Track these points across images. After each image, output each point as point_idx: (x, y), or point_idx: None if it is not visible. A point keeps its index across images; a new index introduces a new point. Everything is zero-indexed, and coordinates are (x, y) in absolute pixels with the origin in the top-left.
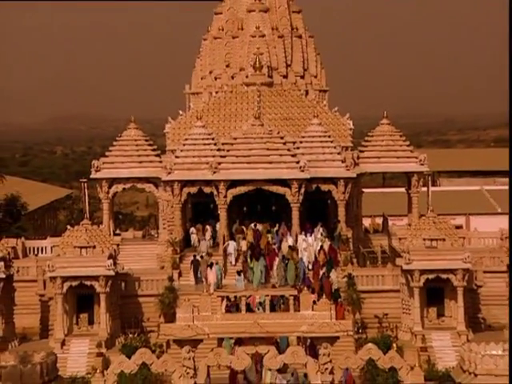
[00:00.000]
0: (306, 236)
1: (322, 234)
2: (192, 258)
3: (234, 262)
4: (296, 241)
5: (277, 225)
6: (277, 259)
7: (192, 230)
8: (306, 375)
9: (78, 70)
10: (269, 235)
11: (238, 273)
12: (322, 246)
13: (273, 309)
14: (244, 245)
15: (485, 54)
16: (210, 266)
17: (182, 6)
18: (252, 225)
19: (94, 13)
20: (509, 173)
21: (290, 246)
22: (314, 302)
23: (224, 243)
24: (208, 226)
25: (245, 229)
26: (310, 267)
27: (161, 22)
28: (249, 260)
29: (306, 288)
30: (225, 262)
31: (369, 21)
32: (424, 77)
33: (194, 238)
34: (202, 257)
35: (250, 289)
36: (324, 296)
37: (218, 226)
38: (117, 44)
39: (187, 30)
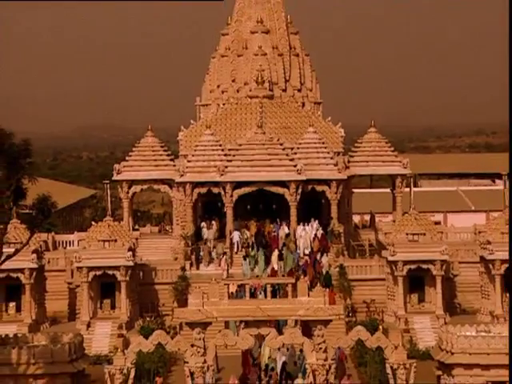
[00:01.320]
0: (303, 226)
1: (316, 225)
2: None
3: (240, 249)
4: (293, 232)
5: (278, 220)
6: (276, 251)
7: (203, 224)
8: (301, 350)
9: (100, 82)
10: (271, 225)
11: (244, 257)
12: (315, 235)
13: (274, 295)
14: (247, 234)
15: (461, 72)
16: (223, 254)
17: (192, 28)
18: (253, 221)
19: (112, 28)
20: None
21: (286, 234)
22: (309, 288)
23: (230, 238)
24: (214, 222)
25: (248, 224)
26: (307, 252)
27: (174, 43)
28: (250, 249)
29: (302, 275)
30: (231, 250)
31: (360, 41)
32: (407, 91)
33: (204, 231)
34: (205, 243)
35: (254, 276)
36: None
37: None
38: (134, 60)
39: (198, 49)
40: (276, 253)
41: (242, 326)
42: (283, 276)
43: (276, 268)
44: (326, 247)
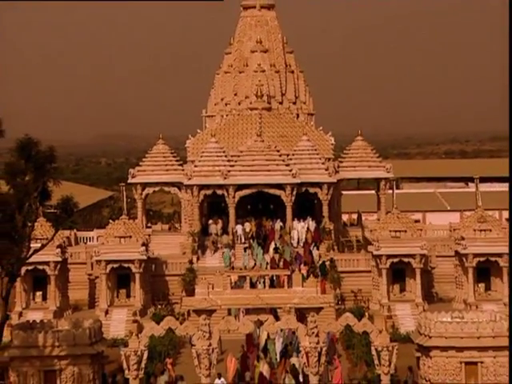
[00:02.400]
0: (299, 221)
1: (310, 221)
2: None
3: (243, 240)
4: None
5: (274, 218)
6: (273, 243)
7: (210, 221)
8: (293, 332)
9: (116, 95)
10: (268, 221)
11: (245, 249)
12: (308, 228)
13: (272, 285)
14: (248, 227)
15: (439, 88)
16: (227, 245)
17: (198, 47)
18: (252, 219)
19: (129, 44)
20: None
21: (280, 226)
22: (303, 278)
23: (233, 232)
24: (219, 220)
25: (249, 221)
26: (301, 243)
27: (183, 61)
28: (251, 241)
29: (302, 264)
30: (234, 242)
31: (350, 59)
32: (391, 104)
33: (212, 226)
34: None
35: (254, 268)
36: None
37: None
38: (147, 75)
39: (203, 66)
40: (273, 245)
41: (243, 313)
42: (280, 265)
43: (273, 258)
44: (319, 239)
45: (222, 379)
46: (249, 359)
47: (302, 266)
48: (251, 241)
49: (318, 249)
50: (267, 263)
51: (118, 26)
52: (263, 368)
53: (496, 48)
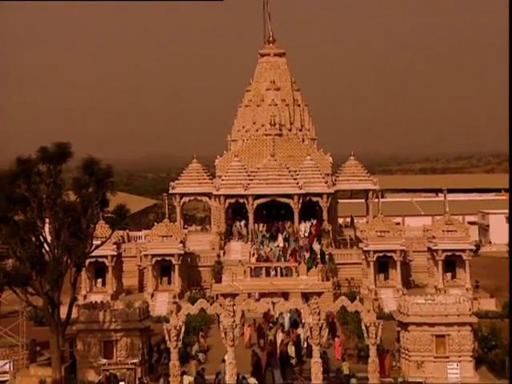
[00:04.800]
0: (304, 222)
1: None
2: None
3: (259, 236)
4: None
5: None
6: (280, 236)
7: (236, 222)
8: (296, 310)
9: (159, 123)
10: (277, 222)
11: (262, 242)
12: (312, 223)
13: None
14: (261, 227)
15: (413, 116)
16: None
17: (224, 87)
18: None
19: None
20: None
21: (288, 225)
22: (308, 269)
23: (252, 233)
24: (241, 223)
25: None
26: (306, 234)
27: (212, 99)
28: (266, 234)
29: (303, 254)
30: (252, 238)
31: (345, 94)
32: (377, 131)
33: (237, 223)
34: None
35: (269, 252)
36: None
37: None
38: (187, 107)
39: (228, 101)
40: (281, 236)
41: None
42: (289, 252)
43: (285, 246)
44: (319, 232)
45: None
46: (263, 330)
47: (306, 253)
48: (266, 234)
49: (319, 243)
50: (280, 250)
51: (162, 65)
52: (278, 335)
53: (465, 85)
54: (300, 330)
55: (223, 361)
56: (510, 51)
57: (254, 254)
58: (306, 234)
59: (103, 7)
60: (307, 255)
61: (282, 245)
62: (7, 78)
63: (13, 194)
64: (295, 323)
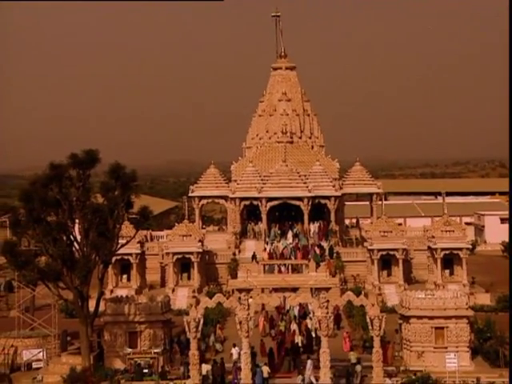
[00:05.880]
0: (313, 223)
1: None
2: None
3: (272, 234)
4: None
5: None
6: (290, 232)
7: (250, 224)
8: (306, 304)
9: (181, 131)
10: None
11: (274, 236)
12: (320, 223)
13: (294, 271)
14: (273, 227)
15: (416, 124)
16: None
17: (240, 98)
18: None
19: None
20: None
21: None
22: (318, 259)
23: (266, 232)
24: (255, 225)
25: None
26: (316, 231)
27: (229, 109)
28: (277, 231)
29: (313, 250)
30: (264, 237)
31: (350, 106)
32: (380, 138)
33: (249, 227)
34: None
35: (281, 248)
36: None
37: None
38: (206, 117)
39: (244, 111)
40: (291, 233)
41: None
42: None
43: (296, 244)
44: (326, 231)
45: (237, 348)
46: (275, 321)
47: (316, 248)
48: (277, 231)
49: (326, 240)
50: (292, 247)
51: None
52: (292, 326)
53: (463, 98)
54: (308, 321)
55: (234, 345)
56: (510, 64)
57: (266, 249)
58: (315, 234)
59: (131, 21)
60: (318, 251)
61: (291, 240)
62: (43, 90)
63: (46, 196)
64: (304, 315)
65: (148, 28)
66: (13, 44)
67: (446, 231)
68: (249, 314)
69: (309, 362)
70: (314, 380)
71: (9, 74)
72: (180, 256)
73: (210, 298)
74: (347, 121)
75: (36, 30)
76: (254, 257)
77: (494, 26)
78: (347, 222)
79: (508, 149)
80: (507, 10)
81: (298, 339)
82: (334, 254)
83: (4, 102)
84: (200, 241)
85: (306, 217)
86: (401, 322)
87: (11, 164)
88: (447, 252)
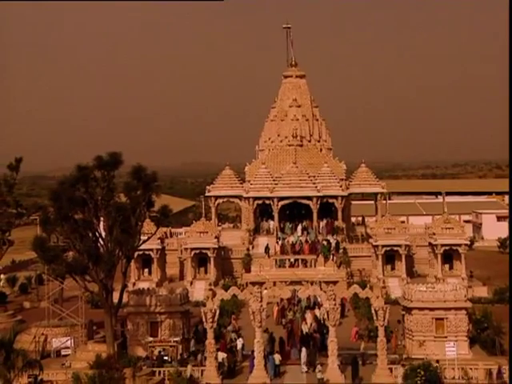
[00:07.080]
0: (321, 220)
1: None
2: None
3: (285, 230)
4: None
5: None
6: (299, 226)
7: (263, 221)
8: (315, 296)
9: (198, 136)
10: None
11: (284, 230)
12: (327, 221)
13: (304, 265)
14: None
15: (417, 127)
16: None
17: (252, 104)
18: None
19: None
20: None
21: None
22: (326, 251)
23: (277, 229)
24: (267, 222)
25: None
26: (324, 225)
27: (243, 113)
28: (288, 225)
29: (322, 244)
30: (276, 234)
31: (356, 110)
32: (385, 141)
33: (263, 224)
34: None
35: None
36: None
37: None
38: (223, 122)
39: (258, 117)
40: (300, 227)
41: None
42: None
43: (306, 239)
44: (333, 228)
45: (241, 339)
46: (285, 311)
47: (324, 242)
48: (289, 226)
49: (332, 235)
50: (301, 241)
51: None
52: (307, 316)
53: (463, 104)
54: (317, 311)
55: (239, 336)
56: (510, 71)
57: (278, 243)
58: (323, 229)
59: (147, 27)
60: (325, 243)
61: (300, 234)
62: (71, 95)
63: (73, 196)
64: (313, 305)
65: (173, 36)
66: (46, 48)
67: (446, 228)
68: (262, 306)
69: (303, 350)
70: (304, 368)
71: (36, 79)
72: (197, 251)
73: (226, 291)
74: (353, 125)
75: (62, 34)
76: (266, 249)
77: (494, 25)
78: (353, 219)
79: (508, 149)
80: (507, 8)
81: (304, 328)
82: (341, 250)
83: (36, 108)
84: (216, 237)
85: (314, 215)
86: (403, 313)
87: (41, 166)
88: (447, 248)
